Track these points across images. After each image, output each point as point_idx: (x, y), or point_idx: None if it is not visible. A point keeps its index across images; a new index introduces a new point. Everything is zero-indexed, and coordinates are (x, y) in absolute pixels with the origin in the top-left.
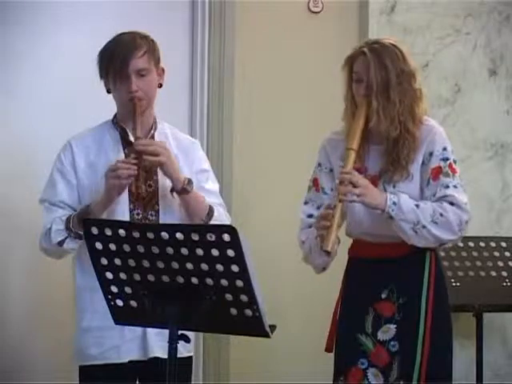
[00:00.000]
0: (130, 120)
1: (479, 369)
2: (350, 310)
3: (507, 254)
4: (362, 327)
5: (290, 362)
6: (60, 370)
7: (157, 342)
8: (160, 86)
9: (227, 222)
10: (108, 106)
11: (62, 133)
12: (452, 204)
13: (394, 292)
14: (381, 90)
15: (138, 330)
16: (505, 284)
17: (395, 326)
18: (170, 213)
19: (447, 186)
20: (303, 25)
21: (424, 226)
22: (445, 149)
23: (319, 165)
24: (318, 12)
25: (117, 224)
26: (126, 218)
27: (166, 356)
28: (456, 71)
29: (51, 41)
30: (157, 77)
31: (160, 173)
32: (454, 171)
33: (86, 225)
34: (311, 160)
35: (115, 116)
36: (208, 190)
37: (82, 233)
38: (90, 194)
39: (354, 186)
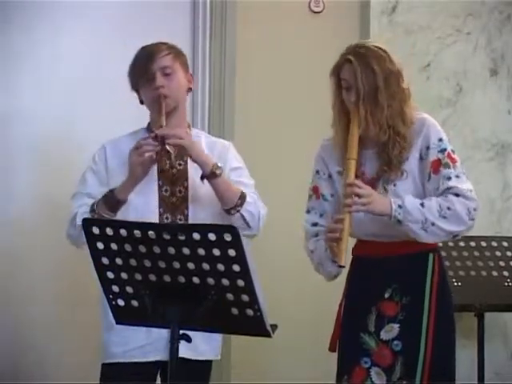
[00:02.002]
0: (166, 125)
1: (480, 369)
2: (353, 309)
3: (509, 253)
4: (365, 326)
5: (292, 362)
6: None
7: (183, 343)
8: (190, 90)
9: (262, 210)
10: (108, 106)
11: (62, 133)
12: (457, 195)
13: (398, 291)
14: (369, 95)
15: (164, 330)
16: (506, 284)
17: (398, 325)
18: (199, 217)
19: (449, 178)
20: (304, 25)
21: (433, 223)
22: (440, 139)
23: (317, 172)
24: (319, 12)
25: (118, 224)
26: (156, 221)
27: (191, 357)
28: (457, 71)
29: (51, 41)
30: (185, 81)
31: (191, 179)
32: (453, 161)
33: (87, 224)
34: (311, 159)
35: (149, 124)
36: (241, 182)
37: (105, 215)
38: None
39: (359, 197)
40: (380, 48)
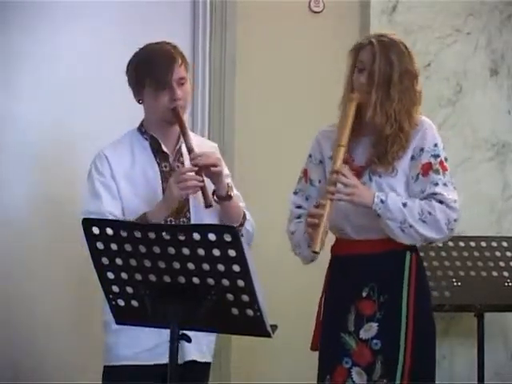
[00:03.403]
0: (165, 128)
1: (480, 369)
2: (332, 309)
3: (509, 253)
4: (344, 326)
5: (291, 362)
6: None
7: (193, 345)
8: None
9: (254, 226)
10: (108, 106)
11: (62, 132)
12: (441, 202)
13: (375, 290)
14: (382, 83)
15: None
16: (506, 284)
17: (377, 324)
18: (202, 220)
19: (436, 184)
20: (304, 24)
21: (411, 226)
22: (436, 145)
23: (310, 156)
24: (319, 12)
25: (118, 224)
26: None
27: (202, 359)
28: (457, 71)
29: (51, 41)
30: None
31: None
32: (444, 168)
33: (87, 225)
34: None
35: (141, 125)
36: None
37: None
38: (128, 204)
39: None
40: (403, 44)
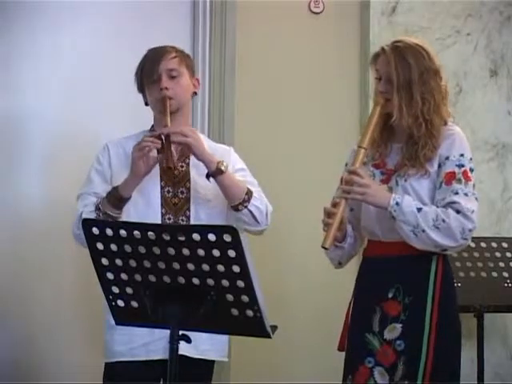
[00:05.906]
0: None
1: (480, 369)
2: (359, 309)
3: (508, 254)
4: (369, 326)
5: (291, 362)
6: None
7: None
8: (195, 94)
9: (269, 207)
10: (108, 106)
11: (62, 132)
12: (458, 212)
13: (401, 291)
14: (403, 86)
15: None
16: (506, 285)
17: (401, 325)
18: (201, 218)
19: (456, 193)
20: (304, 25)
21: (423, 230)
22: (462, 155)
23: (346, 164)
24: (319, 12)
25: (118, 224)
26: (158, 222)
27: (194, 355)
28: (457, 72)
29: (51, 40)
30: (190, 85)
31: (193, 180)
32: (467, 179)
33: (87, 225)
34: (309, 157)
35: (152, 126)
36: (246, 181)
37: (110, 213)
38: None
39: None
40: (419, 45)
